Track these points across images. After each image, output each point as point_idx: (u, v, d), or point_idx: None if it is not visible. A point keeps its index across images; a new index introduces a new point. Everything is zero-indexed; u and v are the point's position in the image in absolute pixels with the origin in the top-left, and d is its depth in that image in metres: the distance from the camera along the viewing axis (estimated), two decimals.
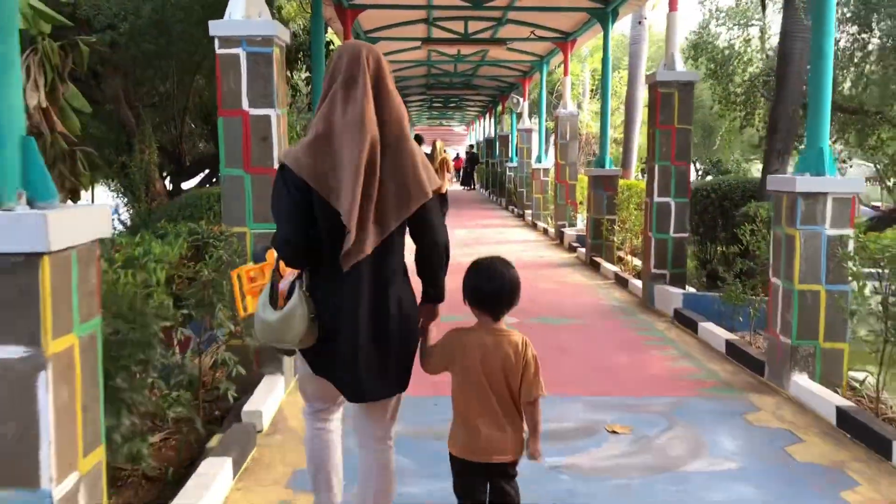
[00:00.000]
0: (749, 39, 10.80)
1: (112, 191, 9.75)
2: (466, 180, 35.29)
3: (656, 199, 7.81)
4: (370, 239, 2.40)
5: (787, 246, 4.99)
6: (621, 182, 11.02)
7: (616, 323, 7.22)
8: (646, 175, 8.25)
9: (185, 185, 13.04)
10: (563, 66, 15.68)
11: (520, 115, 21.54)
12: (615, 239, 10.79)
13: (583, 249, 11.68)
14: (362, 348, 2.46)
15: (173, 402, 3.79)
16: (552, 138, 17.80)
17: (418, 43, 14.34)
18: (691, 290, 8.02)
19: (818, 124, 4.92)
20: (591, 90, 18.88)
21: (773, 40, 10.23)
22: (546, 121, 17.68)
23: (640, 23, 14.36)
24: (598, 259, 10.64)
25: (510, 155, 23.71)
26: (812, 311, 4.93)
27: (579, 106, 15.99)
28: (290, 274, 2.54)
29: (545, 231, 15.37)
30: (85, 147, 4.62)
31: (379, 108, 2.44)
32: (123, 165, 7.90)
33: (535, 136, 19.07)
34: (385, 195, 2.42)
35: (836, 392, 4.77)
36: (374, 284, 2.47)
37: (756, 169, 28.18)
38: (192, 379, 4.45)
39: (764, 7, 8.65)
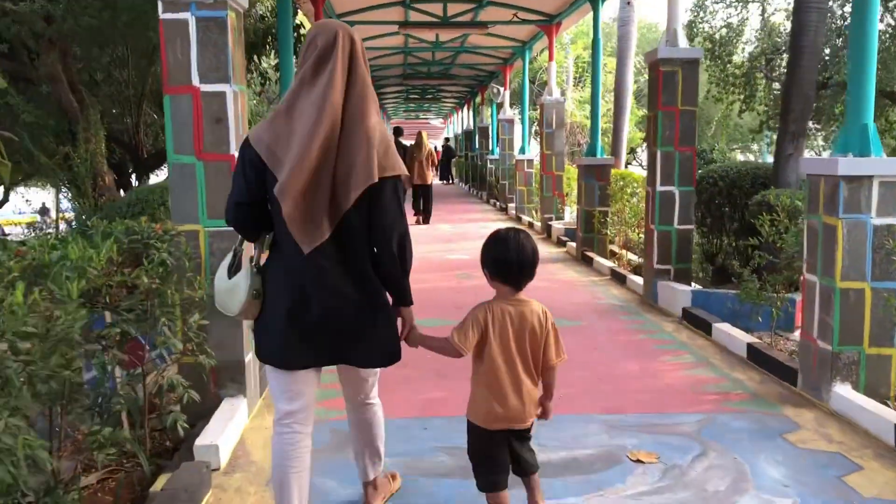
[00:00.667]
0: (747, 18, 10.19)
1: (52, 186, 8.81)
2: (444, 174, 34.57)
3: (659, 188, 7.16)
4: (326, 222, 2.40)
5: (826, 238, 4.35)
6: (614, 172, 10.38)
7: (619, 324, 6.56)
8: (646, 162, 7.60)
9: (153, 180, 12.22)
10: (546, 52, 15.03)
11: (500, 105, 20.85)
12: (608, 232, 10.15)
13: (573, 244, 11.04)
14: (328, 319, 2.47)
15: (104, 441, 3.06)
16: (533, 128, 17.20)
17: (395, 28, 13.57)
18: (697, 286, 7.39)
19: (861, 98, 4.28)
20: (575, 77, 18.22)
21: (775, 18, 9.66)
22: (529, 110, 17.00)
23: (628, 3, 13.70)
24: (590, 254, 10.00)
25: (490, 147, 23.03)
26: (856, 311, 4.30)
27: (563, 94, 15.30)
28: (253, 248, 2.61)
29: (530, 225, 14.71)
30: (4, 132, 3.87)
31: (346, 83, 2.42)
32: (67, 156, 7.04)
33: (517, 127, 18.39)
34: (337, 176, 2.39)
35: (887, 405, 4.15)
36: (337, 266, 2.47)
37: (740, 157, 27.90)
38: (135, 406, 3.72)
39: None
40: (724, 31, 10.11)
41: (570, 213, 13.86)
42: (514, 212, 17.05)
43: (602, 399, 4.55)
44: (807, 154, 12.07)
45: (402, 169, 2.52)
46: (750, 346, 5.36)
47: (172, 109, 4.11)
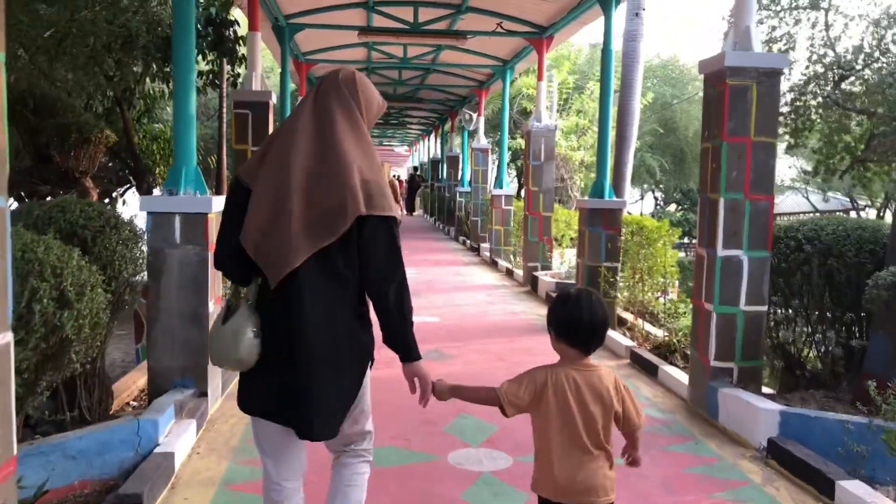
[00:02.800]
0: (795, 32, 8.12)
1: None
2: (409, 205, 32.42)
3: (721, 251, 4.98)
4: (297, 251, 2.26)
5: None
6: (626, 218, 8.22)
7: (672, 462, 4.31)
8: (698, 212, 5.43)
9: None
10: (528, 73, 13.02)
11: (473, 133, 18.74)
12: (618, 295, 7.96)
13: None
14: (311, 380, 2.32)
15: None
16: (495, 159, 15.11)
17: (355, 36, 11.30)
18: (766, 390, 5.20)
19: None
20: (560, 104, 16.20)
21: (833, 30, 7.65)
22: (508, 138, 14.89)
23: (636, 15, 11.70)
24: None
25: (460, 178, 20.87)
26: None
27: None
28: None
29: (509, 272, 12.48)
30: None
31: (324, 120, 2.38)
32: None
33: (492, 157, 16.27)
34: (317, 206, 2.29)
35: None
36: (317, 312, 2.31)
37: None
38: None
39: None
40: (774, 45, 8.07)
41: (563, 264, 11.66)
42: (487, 254, 14.83)
43: None
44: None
45: (395, 209, 2.37)
46: None
47: None
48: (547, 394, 2.33)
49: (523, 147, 18.41)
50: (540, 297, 10.15)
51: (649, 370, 6.15)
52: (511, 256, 13.58)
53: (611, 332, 7.33)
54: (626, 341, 6.94)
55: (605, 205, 8.06)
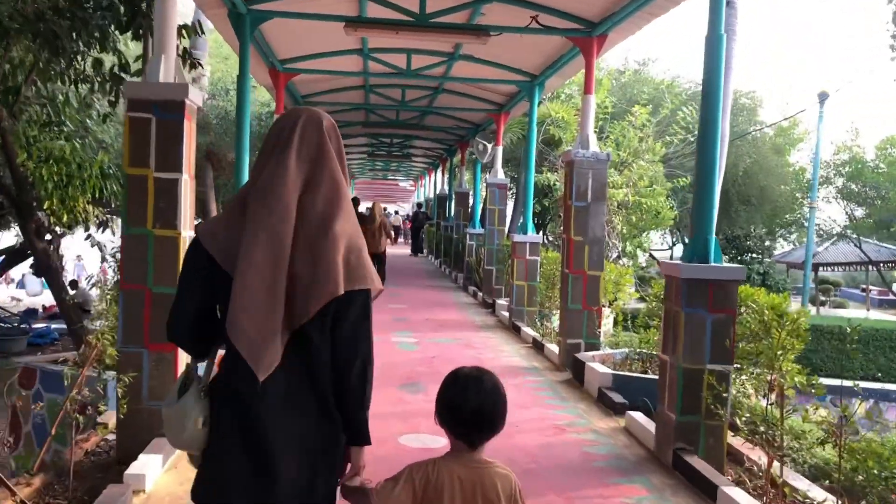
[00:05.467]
0: None
1: None
2: (416, 245, 29.50)
3: None
4: (279, 339, 2.00)
5: None
6: (743, 292, 5.29)
7: None
8: None
9: None
10: (553, 98, 10.15)
11: (488, 166, 15.96)
12: (737, 421, 5.01)
13: (640, 419, 5.86)
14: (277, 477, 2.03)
15: None
16: (510, 195, 12.33)
17: (344, 37, 8.50)
18: None
19: None
20: (595, 132, 13.42)
21: None
22: (535, 172, 12.08)
23: (727, 3, 8.99)
24: (696, 464, 4.83)
25: (472, 218, 18.00)
26: None
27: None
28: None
29: (538, 346, 9.49)
30: None
31: (308, 177, 2.09)
32: None
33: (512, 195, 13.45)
34: (297, 285, 2.02)
35: None
36: (286, 401, 2.04)
37: (785, 245, 23.04)
38: None
39: None
40: None
41: (617, 344, 8.67)
42: (505, 314, 11.88)
43: None
44: None
45: (376, 281, 2.12)
46: None
47: None
48: (427, 494, 2.04)
49: (557, 182, 15.50)
50: (589, 393, 7.16)
51: None
52: (537, 321, 10.62)
53: (727, 489, 4.35)
54: None
55: (712, 273, 5.14)
